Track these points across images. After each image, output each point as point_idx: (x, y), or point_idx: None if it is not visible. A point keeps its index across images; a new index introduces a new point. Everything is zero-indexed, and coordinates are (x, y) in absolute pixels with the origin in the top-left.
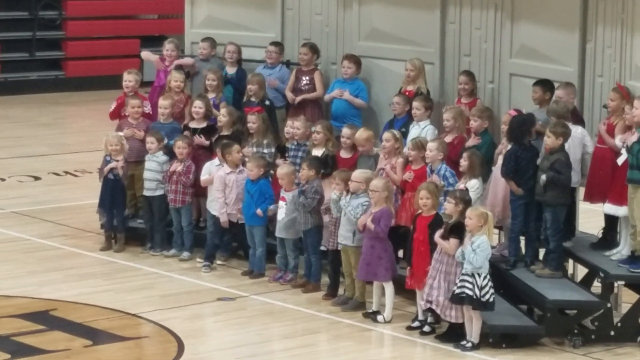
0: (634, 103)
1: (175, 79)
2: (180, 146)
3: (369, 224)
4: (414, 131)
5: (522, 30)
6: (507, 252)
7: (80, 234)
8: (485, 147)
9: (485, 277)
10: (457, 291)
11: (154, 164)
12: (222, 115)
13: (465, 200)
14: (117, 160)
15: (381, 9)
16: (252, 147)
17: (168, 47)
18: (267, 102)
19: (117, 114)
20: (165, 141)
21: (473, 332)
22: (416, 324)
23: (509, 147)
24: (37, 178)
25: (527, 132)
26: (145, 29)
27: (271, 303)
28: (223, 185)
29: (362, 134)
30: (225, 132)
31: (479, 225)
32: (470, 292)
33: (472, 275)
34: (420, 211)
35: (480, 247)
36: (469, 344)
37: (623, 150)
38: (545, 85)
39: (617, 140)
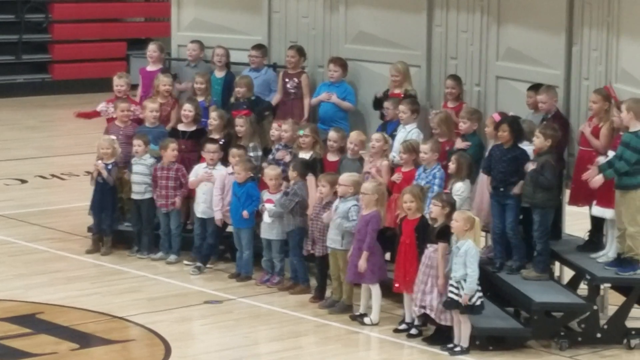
0: (622, 107)
1: (164, 82)
2: (174, 148)
3: (362, 264)
4: (401, 134)
5: (508, 33)
6: (493, 254)
7: (67, 237)
8: (474, 149)
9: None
10: (445, 297)
11: (141, 167)
12: (213, 119)
13: (451, 204)
14: (105, 164)
15: (368, 11)
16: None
17: (150, 48)
18: (252, 97)
19: (86, 115)
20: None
21: (462, 336)
22: (403, 326)
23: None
24: (23, 181)
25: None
26: (132, 31)
27: (258, 306)
28: (222, 184)
29: (359, 135)
30: (215, 136)
31: (464, 229)
32: (456, 297)
33: (459, 281)
34: (404, 214)
35: (468, 253)
36: (458, 348)
37: (610, 153)
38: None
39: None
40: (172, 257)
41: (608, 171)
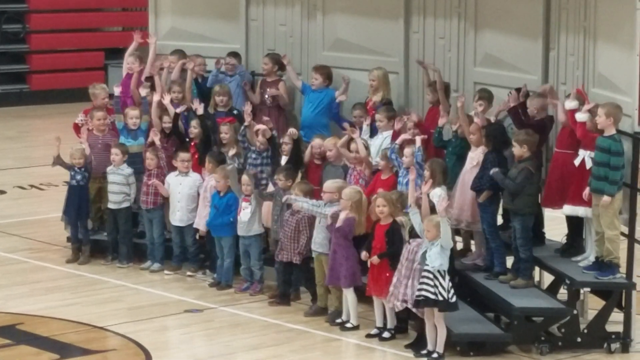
0: (599, 111)
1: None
2: (148, 157)
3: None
4: (377, 141)
5: (485, 39)
6: (479, 261)
7: (46, 247)
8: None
9: (447, 278)
10: (417, 295)
11: (119, 177)
12: (193, 127)
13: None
14: (79, 169)
15: (345, 19)
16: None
17: (129, 60)
18: (235, 112)
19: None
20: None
21: (438, 342)
22: (375, 331)
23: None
24: (2, 192)
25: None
26: (110, 41)
27: (239, 314)
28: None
29: (333, 140)
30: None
31: (437, 235)
32: (432, 295)
33: (435, 277)
34: (377, 219)
35: (442, 246)
36: (435, 355)
37: (581, 152)
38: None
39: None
40: (156, 266)
41: (608, 187)
